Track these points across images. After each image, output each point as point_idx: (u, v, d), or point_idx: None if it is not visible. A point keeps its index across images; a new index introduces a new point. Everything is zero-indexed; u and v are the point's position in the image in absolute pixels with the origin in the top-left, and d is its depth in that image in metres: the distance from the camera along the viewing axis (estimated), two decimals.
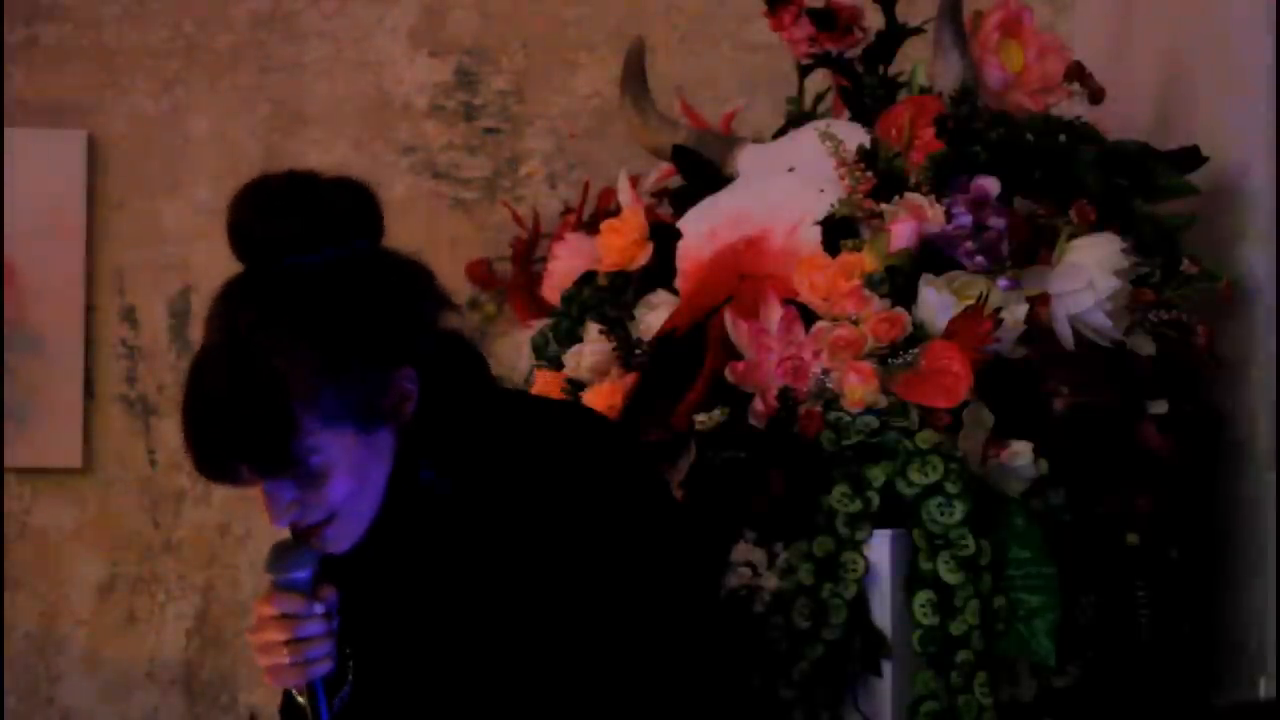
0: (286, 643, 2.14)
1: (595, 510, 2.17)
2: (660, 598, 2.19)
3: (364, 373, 2.12)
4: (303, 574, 2.16)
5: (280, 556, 2.17)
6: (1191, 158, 2.90)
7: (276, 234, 2.14)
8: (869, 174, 2.75)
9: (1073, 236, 2.73)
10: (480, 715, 2.22)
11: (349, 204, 2.16)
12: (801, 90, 3.09)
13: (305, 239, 2.13)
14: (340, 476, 2.12)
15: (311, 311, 2.10)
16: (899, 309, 2.63)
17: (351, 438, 2.12)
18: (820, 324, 2.64)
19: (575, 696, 2.19)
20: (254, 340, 2.10)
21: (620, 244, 2.95)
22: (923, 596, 2.56)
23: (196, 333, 3.57)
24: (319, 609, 2.15)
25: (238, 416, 2.08)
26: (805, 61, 3.04)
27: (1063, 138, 2.89)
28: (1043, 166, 2.82)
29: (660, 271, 2.92)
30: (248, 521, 3.57)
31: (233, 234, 2.18)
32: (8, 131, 3.52)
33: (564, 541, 2.16)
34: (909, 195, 2.72)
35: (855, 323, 2.63)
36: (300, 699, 2.19)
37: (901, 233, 2.68)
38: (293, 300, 2.11)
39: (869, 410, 2.59)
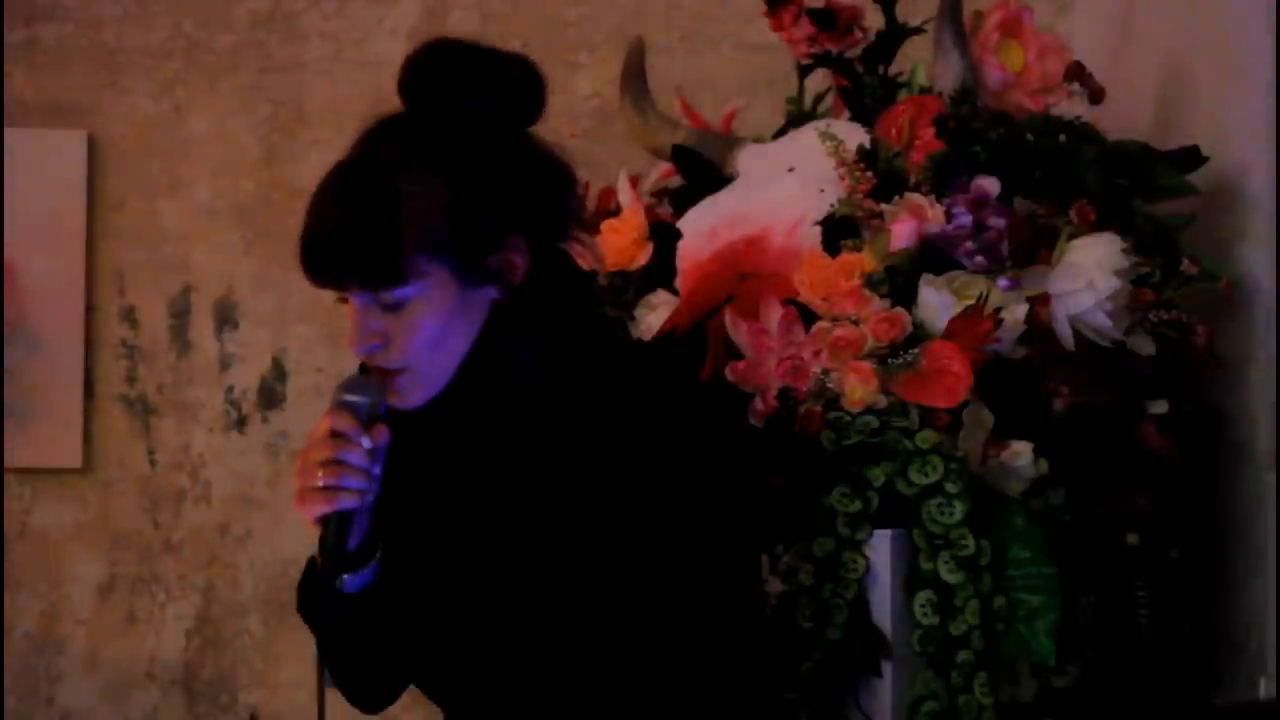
0: (325, 462, 2.14)
1: (669, 454, 2.16)
2: (703, 565, 2.18)
3: (482, 223, 2.16)
4: (362, 400, 2.16)
5: (349, 380, 2.20)
6: (1191, 158, 2.90)
7: (443, 81, 2.19)
8: (869, 174, 2.75)
9: (1073, 236, 2.73)
10: (493, 624, 2.22)
11: (518, 79, 2.22)
12: (801, 90, 3.09)
13: (467, 93, 2.18)
14: (426, 319, 2.15)
15: (450, 153, 2.16)
16: (899, 309, 2.63)
17: (450, 283, 2.15)
18: (820, 324, 2.64)
19: (594, 635, 2.18)
20: (388, 161, 2.16)
21: (620, 244, 2.95)
22: (923, 596, 2.56)
23: (196, 333, 3.59)
24: (366, 441, 2.15)
25: (355, 218, 2.14)
26: (805, 61, 3.04)
27: (1063, 138, 2.89)
28: (1043, 166, 2.82)
29: (660, 271, 2.92)
30: (248, 521, 3.57)
31: (403, 72, 2.22)
32: (8, 131, 3.52)
33: (629, 473, 2.15)
34: (909, 195, 2.72)
35: (855, 323, 2.63)
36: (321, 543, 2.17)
37: (901, 233, 2.68)
38: (436, 140, 2.17)
39: (869, 410, 2.59)
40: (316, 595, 2.23)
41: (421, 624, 2.27)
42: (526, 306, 2.20)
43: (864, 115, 2.91)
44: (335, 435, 2.15)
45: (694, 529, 2.17)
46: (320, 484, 2.14)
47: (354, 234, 2.14)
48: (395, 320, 2.16)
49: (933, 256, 2.69)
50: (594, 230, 2.99)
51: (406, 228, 2.13)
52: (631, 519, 2.16)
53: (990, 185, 2.71)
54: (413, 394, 2.19)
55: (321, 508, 2.15)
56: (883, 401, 2.60)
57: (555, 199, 2.23)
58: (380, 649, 2.28)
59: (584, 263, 2.30)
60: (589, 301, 2.29)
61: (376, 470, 2.16)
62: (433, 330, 2.16)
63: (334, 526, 2.16)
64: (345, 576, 2.21)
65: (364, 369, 2.22)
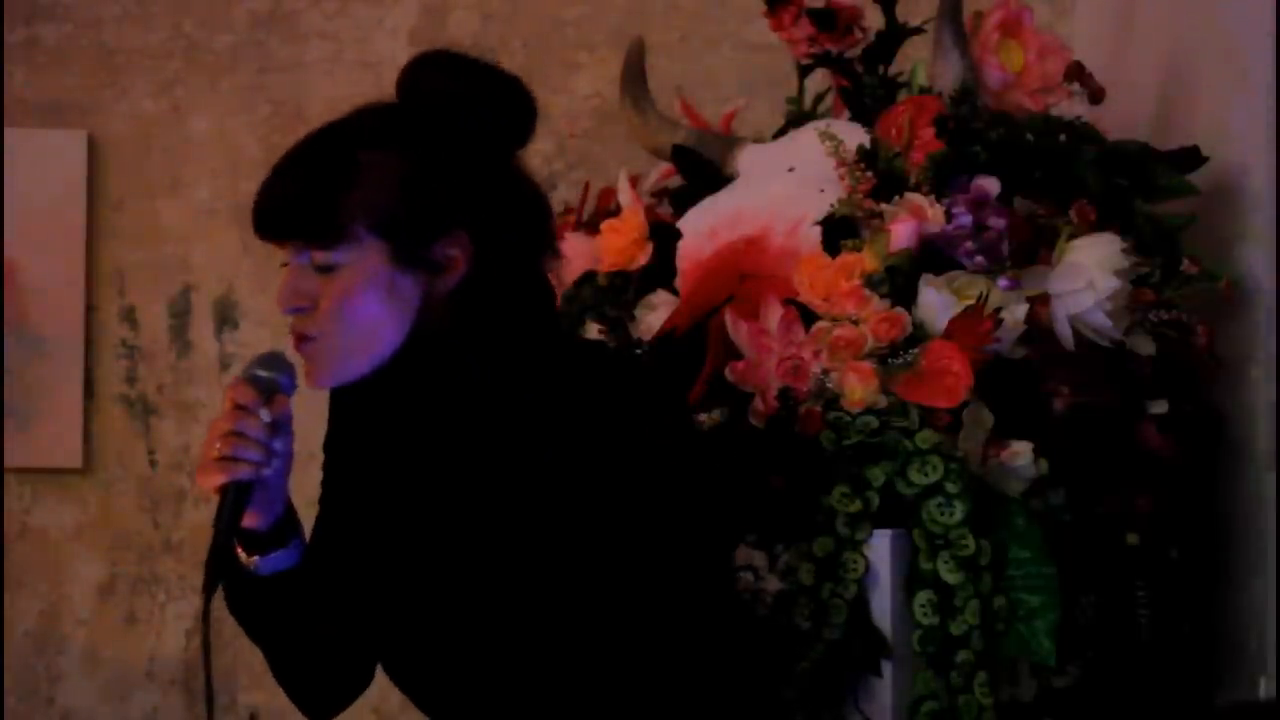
0: (224, 434, 2.16)
1: (612, 448, 2.17)
2: (664, 561, 2.18)
3: (427, 208, 2.17)
4: (264, 374, 2.19)
5: (259, 356, 2.23)
6: (1191, 158, 2.90)
7: (437, 87, 2.22)
8: (869, 174, 2.75)
9: (1073, 236, 2.73)
10: (437, 621, 2.23)
11: (510, 99, 2.25)
12: (801, 90, 3.09)
13: (458, 103, 2.21)
14: (354, 289, 2.17)
15: (418, 141, 2.19)
16: (899, 309, 2.63)
17: (384, 260, 2.17)
18: (820, 324, 2.64)
19: (546, 633, 2.18)
20: (354, 131, 2.20)
21: (620, 244, 2.95)
22: (923, 596, 2.56)
23: (196, 333, 3.59)
24: (265, 414, 2.17)
25: (306, 174, 2.18)
26: (805, 61, 3.04)
27: (1063, 138, 2.89)
28: (1043, 166, 2.82)
29: (660, 271, 2.92)
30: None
31: (402, 73, 2.26)
32: (8, 131, 3.52)
33: (568, 465, 2.16)
34: (909, 195, 2.72)
35: (855, 323, 2.63)
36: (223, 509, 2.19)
37: (901, 233, 2.68)
38: (409, 127, 2.20)
39: (869, 410, 2.59)
40: (230, 574, 2.23)
41: (367, 612, 2.28)
42: (466, 307, 2.20)
43: (864, 115, 2.91)
44: (237, 408, 2.17)
45: (636, 521, 2.16)
46: (216, 454, 2.16)
47: (300, 189, 2.18)
48: (325, 284, 2.18)
49: (933, 256, 2.69)
50: (591, 231, 3.00)
51: (352, 193, 2.16)
52: (569, 509, 2.16)
53: (990, 185, 2.71)
54: (325, 369, 2.20)
55: (217, 478, 2.17)
56: (883, 401, 2.60)
57: (514, 211, 2.23)
58: (308, 629, 2.29)
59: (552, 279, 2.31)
60: (540, 312, 2.26)
61: (279, 445, 2.18)
62: (359, 302, 2.17)
63: (229, 497, 2.17)
64: (258, 558, 2.23)
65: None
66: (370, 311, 2.17)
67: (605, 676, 2.18)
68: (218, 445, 2.16)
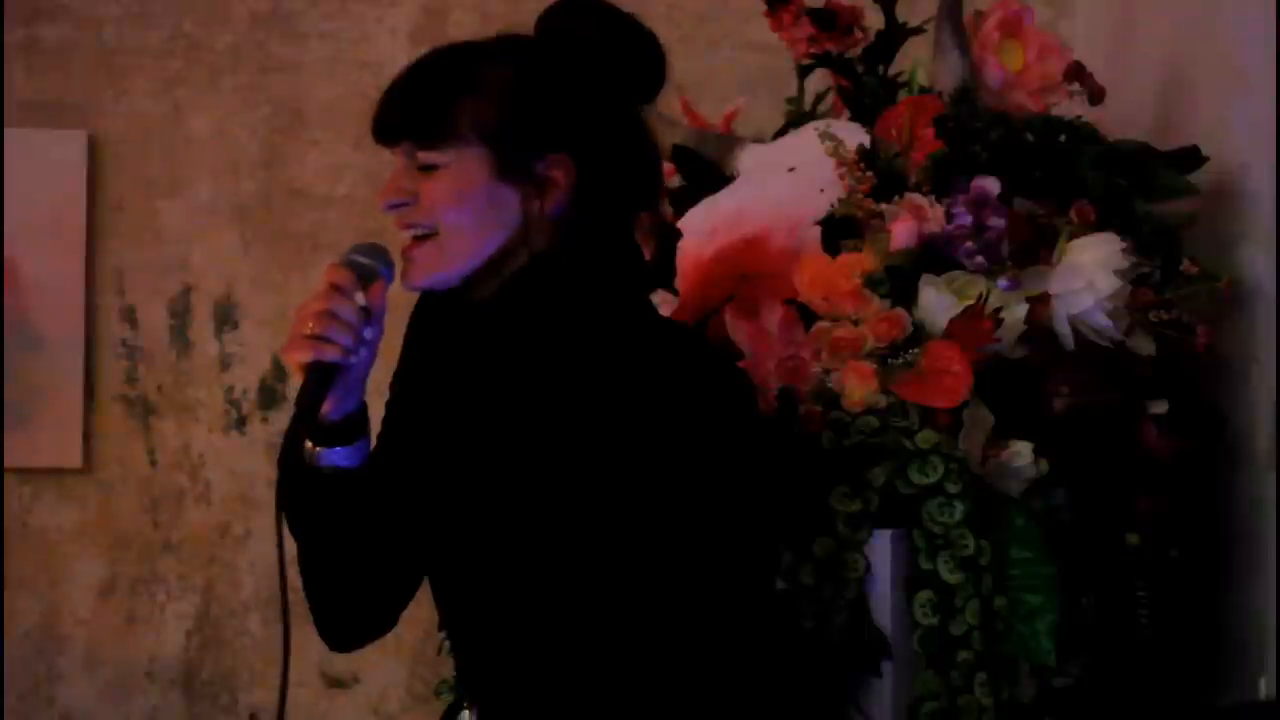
0: (317, 313, 2.16)
1: (689, 419, 2.17)
2: (711, 534, 2.17)
3: (536, 123, 2.21)
4: (366, 260, 2.20)
5: (360, 244, 2.24)
6: (1191, 158, 2.90)
7: (572, 26, 2.27)
8: (869, 174, 2.75)
9: (1073, 236, 2.73)
10: (479, 554, 2.23)
11: (641, 52, 2.29)
12: (801, 90, 3.09)
13: (589, 45, 2.26)
14: (454, 191, 2.20)
15: (541, 64, 2.24)
16: (899, 309, 2.63)
17: (486, 167, 2.20)
18: (820, 324, 2.64)
19: (590, 588, 2.18)
20: (482, 48, 2.26)
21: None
22: (923, 596, 2.56)
23: (196, 333, 3.59)
24: (360, 298, 2.18)
25: (423, 76, 2.23)
26: (805, 61, 3.04)
27: (1063, 138, 2.89)
28: (1043, 166, 2.82)
29: (660, 271, 2.91)
30: (248, 521, 3.57)
31: (546, 11, 2.31)
32: (8, 131, 3.52)
33: (639, 430, 2.16)
34: (909, 195, 2.72)
35: (855, 323, 2.63)
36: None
37: (901, 233, 2.68)
38: (536, 53, 2.26)
39: (869, 410, 2.59)
40: (292, 452, 2.21)
41: (413, 540, 2.28)
42: (566, 233, 2.22)
43: (864, 115, 2.91)
44: (333, 288, 2.18)
45: (692, 492, 2.16)
46: (307, 332, 2.16)
47: (416, 89, 2.23)
48: (426, 183, 2.20)
49: (933, 256, 2.68)
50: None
51: (465, 99, 2.20)
52: (630, 467, 2.16)
53: (990, 185, 2.71)
54: (427, 266, 2.21)
55: (305, 355, 2.16)
56: (883, 401, 2.60)
57: (622, 154, 2.26)
58: (352, 541, 2.27)
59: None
60: (634, 267, 2.30)
61: (369, 333, 2.19)
62: (458, 204, 2.20)
63: (313, 377, 2.16)
64: (323, 450, 2.22)
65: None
66: (468, 214, 2.20)
67: (635, 639, 2.17)
68: (310, 323, 2.16)
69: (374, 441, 2.30)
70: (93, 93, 3.59)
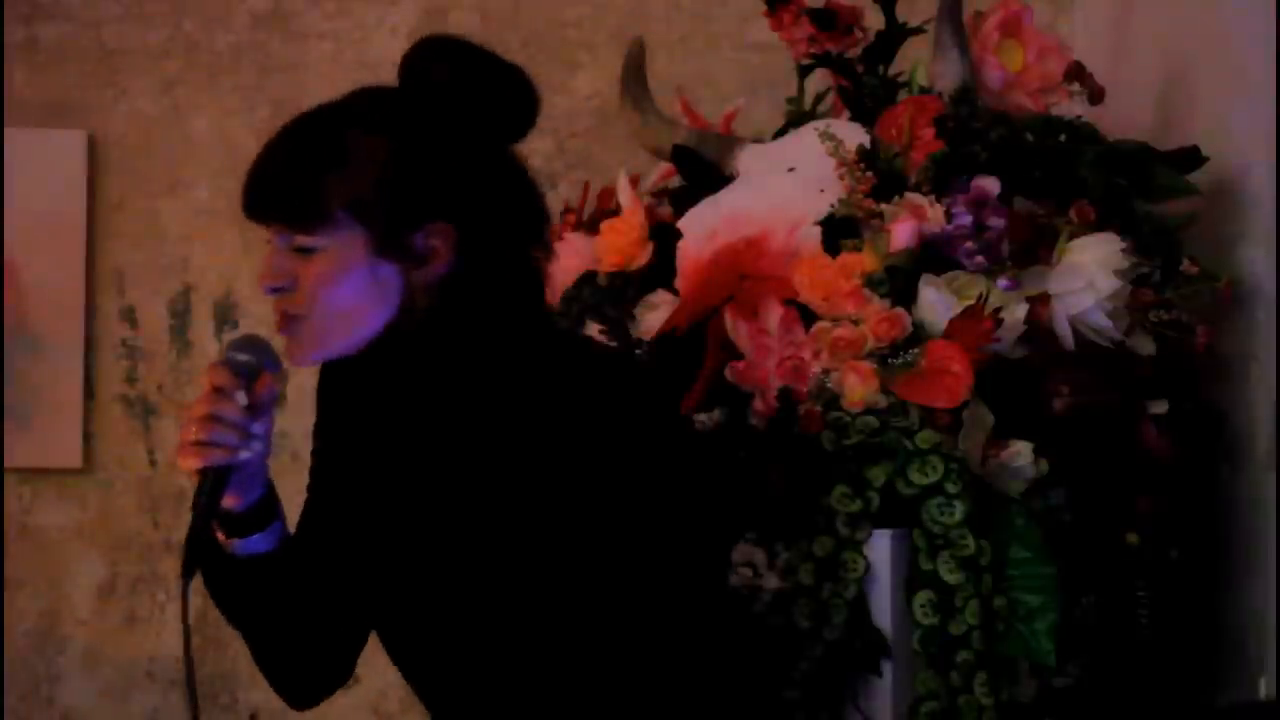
0: (202, 417, 2.15)
1: (602, 442, 2.16)
2: (646, 554, 2.16)
3: (410, 197, 2.16)
4: (242, 357, 2.19)
5: (237, 339, 2.23)
6: (1191, 158, 2.90)
7: (438, 72, 2.21)
8: (869, 174, 2.75)
9: (1073, 236, 2.74)
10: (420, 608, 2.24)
11: (512, 89, 2.24)
12: (801, 90, 3.09)
13: (458, 89, 2.21)
14: (332, 274, 2.16)
15: (409, 126, 2.18)
16: (899, 309, 2.63)
17: (363, 246, 2.16)
18: (820, 324, 2.64)
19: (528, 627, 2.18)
20: (346, 114, 2.20)
21: (620, 244, 2.95)
22: (923, 596, 2.56)
23: (196, 333, 3.59)
24: (242, 397, 2.17)
25: (291, 154, 2.18)
26: (805, 61, 3.04)
27: (1063, 138, 2.89)
28: (1043, 166, 2.82)
29: (660, 271, 2.92)
30: None
31: (404, 58, 2.25)
32: (8, 131, 3.52)
33: (556, 461, 2.15)
34: (909, 195, 2.72)
35: (855, 323, 2.63)
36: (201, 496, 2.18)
37: (901, 233, 2.68)
38: (401, 116, 2.19)
39: (869, 410, 2.59)
40: (209, 557, 2.23)
41: (354, 597, 2.28)
42: (450, 298, 2.19)
43: (864, 115, 2.91)
44: (214, 391, 2.17)
45: (619, 513, 2.16)
46: (193, 438, 2.16)
47: (283, 170, 2.17)
48: (304, 266, 2.17)
49: (933, 256, 2.69)
50: (591, 232, 3.00)
51: (335, 177, 2.14)
52: (551, 500, 2.16)
53: (990, 185, 2.71)
54: (307, 348, 2.20)
55: (194, 461, 2.16)
56: (883, 401, 2.60)
57: (503, 204, 2.22)
58: (285, 615, 2.28)
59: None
60: (528, 305, 2.25)
61: (258, 428, 2.18)
62: (336, 286, 2.16)
63: (206, 481, 2.17)
64: (238, 541, 2.23)
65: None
66: (348, 296, 2.17)
67: (590, 669, 2.18)
68: (194, 429, 2.16)
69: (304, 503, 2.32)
70: (93, 93, 3.58)
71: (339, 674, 2.36)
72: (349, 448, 2.31)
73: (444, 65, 2.21)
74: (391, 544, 2.25)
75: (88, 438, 3.55)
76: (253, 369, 2.19)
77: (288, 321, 2.20)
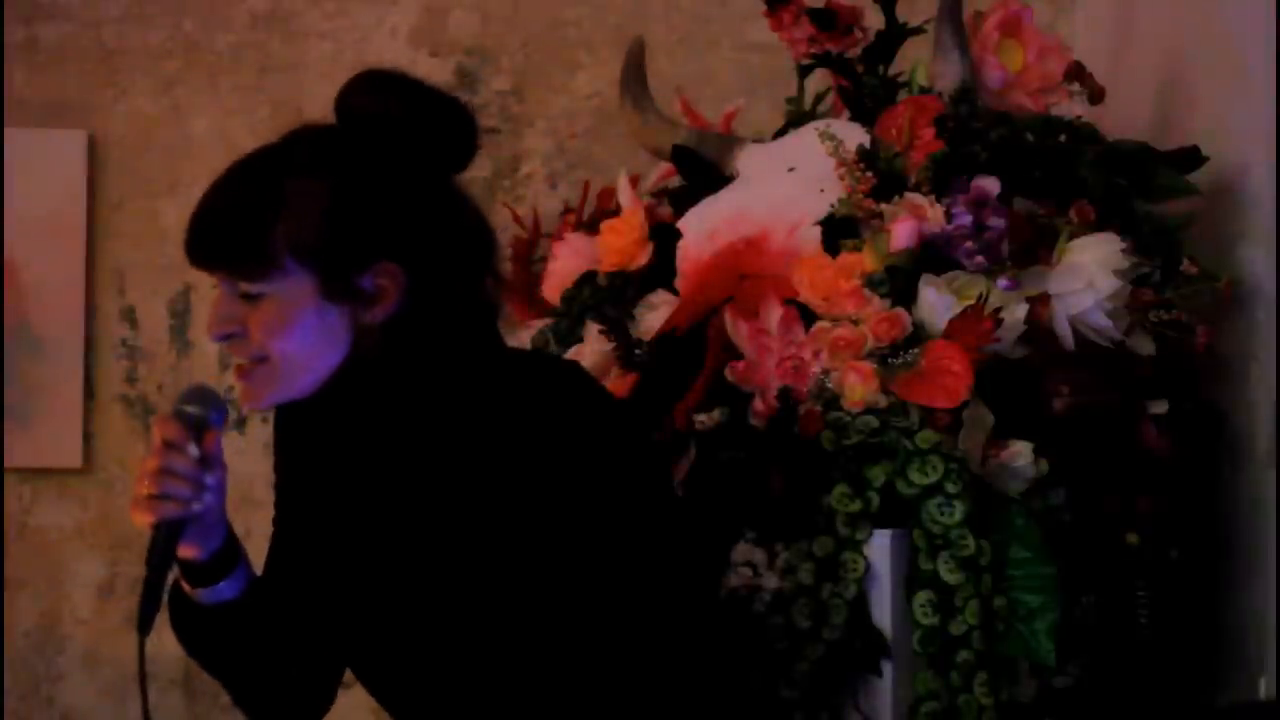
0: (152, 471, 2.15)
1: (555, 455, 2.15)
2: (613, 564, 2.16)
3: (355, 239, 2.15)
4: (191, 410, 2.18)
5: (185, 391, 2.22)
6: (1191, 158, 2.90)
7: (374, 107, 2.20)
8: (869, 174, 2.75)
9: (1073, 236, 2.73)
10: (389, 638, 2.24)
11: (449, 122, 2.22)
12: (801, 90, 3.09)
13: (394, 124, 2.18)
14: (281, 319, 2.15)
15: (349, 168, 2.16)
16: (899, 309, 2.63)
17: (311, 290, 2.15)
18: (820, 324, 2.64)
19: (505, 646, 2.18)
20: (284, 159, 2.18)
21: (620, 244, 2.95)
22: (923, 596, 2.56)
23: (196, 333, 3.59)
24: (193, 450, 2.16)
25: (231, 203, 2.16)
26: (805, 61, 3.04)
27: (1063, 138, 2.89)
28: (1043, 166, 2.82)
29: (660, 271, 2.92)
30: (248, 521, 3.55)
31: (339, 94, 2.24)
32: (8, 131, 3.52)
33: (512, 480, 2.15)
34: (909, 195, 2.72)
35: (855, 323, 2.63)
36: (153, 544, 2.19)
37: (901, 233, 2.68)
38: (342, 153, 2.17)
39: (869, 410, 2.59)
40: (177, 608, 2.25)
41: (325, 630, 2.29)
42: (400, 336, 2.18)
43: (864, 115, 2.91)
44: (164, 444, 2.16)
45: (581, 526, 2.15)
46: (145, 492, 2.15)
47: (225, 218, 2.16)
48: (252, 312, 2.16)
49: (933, 256, 2.69)
50: (590, 232, 2.99)
51: (277, 224, 2.13)
52: (510, 520, 2.15)
53: (990, 185, 2.71)
54: (260, 392, 2.19)
55: (147, 516, 2.16)
56: (883, 401, 2.60)
57: (449, 239, 2.21)
58: (257, 657, 2.29)
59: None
60: (479, 336, 2.24)
61: (211, 480, 2.17)
62: (286, 332, 2.15)
63: (161, 535, 2.17)
64: (202, 590, 2.23)
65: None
66: (298, 341, 2.16)
67: (556, 684, 2.17)
68: (147, 484, 2.15)
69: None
70: (93, 93, 3.58)
71: (321, 703, 2.36)
72: (309, 485, 2.30)
73: (380, 100, 2.20)
74: (359, 577, 2.25)
75: (88, 438, 3.55)
76: (202, 421, 2.18)
77: (241, 369, 2.19)
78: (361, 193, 2.15)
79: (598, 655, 2.16)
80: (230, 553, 2.24)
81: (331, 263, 2.14)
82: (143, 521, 2.16)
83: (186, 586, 2.24)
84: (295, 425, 2.32)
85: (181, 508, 2.16)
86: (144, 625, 2.18)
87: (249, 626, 2.26)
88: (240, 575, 2.25)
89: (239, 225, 2.14)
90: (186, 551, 2.20)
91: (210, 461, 2.17)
